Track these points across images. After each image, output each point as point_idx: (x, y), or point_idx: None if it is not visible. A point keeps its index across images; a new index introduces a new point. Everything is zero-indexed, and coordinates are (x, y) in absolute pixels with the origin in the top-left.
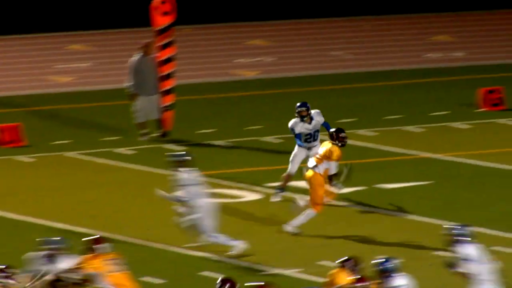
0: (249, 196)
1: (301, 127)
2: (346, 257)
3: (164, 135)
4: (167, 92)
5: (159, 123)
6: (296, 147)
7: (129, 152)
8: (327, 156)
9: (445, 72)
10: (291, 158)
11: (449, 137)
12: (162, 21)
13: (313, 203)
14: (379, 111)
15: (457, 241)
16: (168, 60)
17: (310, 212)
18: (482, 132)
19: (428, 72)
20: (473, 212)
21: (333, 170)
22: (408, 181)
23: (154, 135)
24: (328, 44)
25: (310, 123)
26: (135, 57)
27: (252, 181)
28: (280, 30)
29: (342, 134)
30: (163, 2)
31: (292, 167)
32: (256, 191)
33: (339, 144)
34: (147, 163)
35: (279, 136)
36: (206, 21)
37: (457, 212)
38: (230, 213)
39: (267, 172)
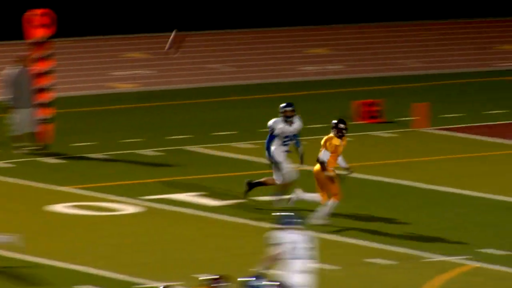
0: (128, 209)
1: (282, 128)
2: (214, 276)
3: (42, 148)
4: (46, 105)
5: (35, 136)
6: (277, 151)
7: (5, 166)
8: (324, 145)
9: (322, 85)
10: (279, 166)
11: None
12: (40, 34)
13: (332, 194)
14: (257, 124)
15: (282, 228)
16: (47, 73)
17: (333, 203)
18: (360, 144)
19: (304, 85)
20: (351, 223)
21: (325, 158)
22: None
23: (31, 148)
24: (206, 57)
25: (291, 125)
26: (12, 69)
27: (130, 194)
28: (159, 43)
29: (341, 125)
30: (42, 15)
31: (288, 175)
32: (135, 204)
33: (337, 135)
34: (24, 177)
35: (157, 149)
36: (85, 33)
37: (336, 223)
38: (109, 226)
39: (144, 185)
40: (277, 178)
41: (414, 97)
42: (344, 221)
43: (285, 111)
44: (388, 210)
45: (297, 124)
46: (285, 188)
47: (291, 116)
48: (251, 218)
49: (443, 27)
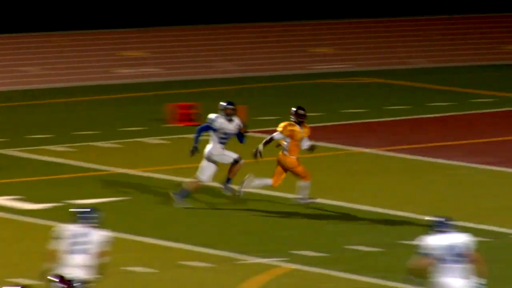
0: None
1: (222, 123)
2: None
3: None
4: None
5: None
6: (214, 149)
7: None
8: (283, 129)
9: (138, 88)
10: (204, 164)
11: (144, 152)
12: None
13: (303, 177)
14: (73, 127)
15: (78, 222)
16: None
17: (305, 183)
18: (177, 147)
19: (120, 87)
20: (166, 225)
21: (276, 137)
22: (104, 197)
23: None
24: (20, 60)
25: (230, 123)
26: None
27: None
28: None
29: (300, 112)
30: None
31: (206, 176)
32: None
33: (297, 121)
34: None
35: None
36: None
37: (146, 227)
38: None
39: None
40: (200, 175)
41: (230, 99)
42: (158, 223)
43: (226, 109)
44: (202, 211)
45: (236, 122)
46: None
47: (231, 115)
48: (66, 221)
49: (258, 30)
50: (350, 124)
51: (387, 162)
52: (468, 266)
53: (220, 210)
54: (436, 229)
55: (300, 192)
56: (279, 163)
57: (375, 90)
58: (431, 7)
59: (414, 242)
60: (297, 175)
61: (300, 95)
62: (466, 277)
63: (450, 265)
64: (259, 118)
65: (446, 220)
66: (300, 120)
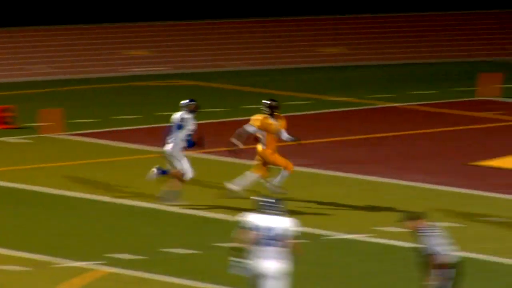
0: None
1: (192, 122)
2: None
3: None
4: None
5: None
6: (178, 146)
7: None
8: (254, 122)
9: None
10: (179, 161)
11: None
12: None
13: (284, 167)
14: None
15: None
16: None
17: (285, 173)
18: None
19: None
20: None
21: (248, 129)
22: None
23: None
24: None
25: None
26: None
27: None
28: None
29: (273, 103)
30: None
31: (188, 168)
32: None
33: (269, 113)
34: None
35: None
36: None
37: None
38: None
39: None
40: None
41: (45, 102)
42: None
43: (189, 105)
44: (17, 214)
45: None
46: (182, 183)
47: (195, 111)
48: None
49: (73, 32)
50: (166, 126)
51: (204, 164)
52: (283, 249)
53: (35, 212)
54: (261, 209)
55: (277, 178)
56: (260, 155)
57: (192, 93)
58: (249, 9)
59: (230, 244)
60: (278, 166)
61: (116, 97)
62: (281, 260)
63: (265, 247)
64: (75, 120)
65: (273, 202)
66: (273, 111)
